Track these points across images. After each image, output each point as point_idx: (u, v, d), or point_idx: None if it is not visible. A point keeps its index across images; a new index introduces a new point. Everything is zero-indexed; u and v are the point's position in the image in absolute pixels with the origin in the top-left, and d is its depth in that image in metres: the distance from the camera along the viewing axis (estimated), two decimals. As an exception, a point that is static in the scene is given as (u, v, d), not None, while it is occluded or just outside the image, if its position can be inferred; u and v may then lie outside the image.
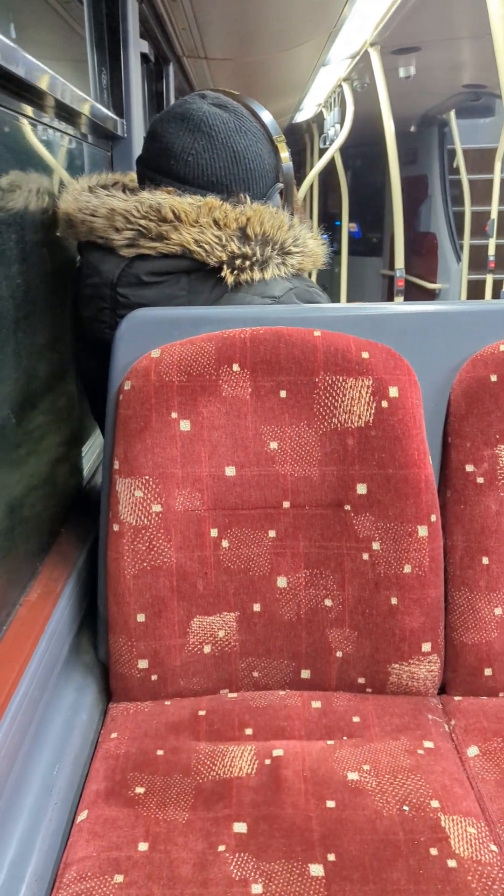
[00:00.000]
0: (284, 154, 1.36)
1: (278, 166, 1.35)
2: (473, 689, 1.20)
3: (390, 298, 6.30)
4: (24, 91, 1.17)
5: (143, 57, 2.45)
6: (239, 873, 0.87)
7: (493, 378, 1.16)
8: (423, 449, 1.15)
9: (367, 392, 1.14)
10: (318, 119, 6.30)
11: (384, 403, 1.14)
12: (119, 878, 0.87)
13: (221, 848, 0.91)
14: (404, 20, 3.28)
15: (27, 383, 1.18)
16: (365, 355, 1.15)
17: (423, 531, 1.15)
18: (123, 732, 1.11)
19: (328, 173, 6.82)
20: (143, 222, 1.22)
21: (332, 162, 5.80)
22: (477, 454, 1.17)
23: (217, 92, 1.34)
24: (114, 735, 1.11)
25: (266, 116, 1.34)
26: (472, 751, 1.08)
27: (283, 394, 1.16)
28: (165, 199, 1.22)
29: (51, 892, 0.87)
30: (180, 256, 1.23)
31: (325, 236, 1.40)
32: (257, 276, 1.23)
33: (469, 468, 1.17)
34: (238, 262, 1.22)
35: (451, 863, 0.89)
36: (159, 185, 1.28)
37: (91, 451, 1.69)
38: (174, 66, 3.23)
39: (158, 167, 1.30)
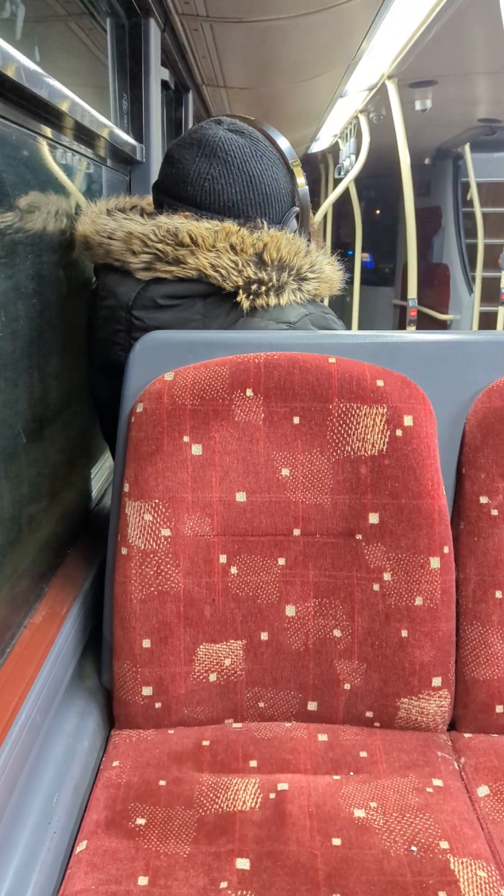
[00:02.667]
0: (300, 179, 1.36)
1: (294, 191, 1.36)
2: (484, 727, 1.17)
3: (401, 328, 6.31)
4: (47, 113, 1.18)
5: (164, 84, 2.48)
6: (241, 912, 0.85)
7: (509, 409, 1.15)
8: (436, 479, 1.14)
9: (381, 420, 1.13)
10: (334, 149, 6.37)
11: (398, 432, 1.13)
12: (117, 914, 0.84)
13: (223, 885, 0.88)
14: (421, 54, 3.32)
15: (39, 403, 1.17)
16: (380, 383, 1.14)
17: (435, 563, 1.13)
18: (126, 761, 1.09)
19: (342, 203, 6.87)
20: (160, 246, 1.22)
21: (346, 192, 5.85)
22: (492, 486, 1.15)
23: (233, 118, 1.35)
24: (115, 763, 1.08)
25: (282, 141, 1.35)
26: (483, 790, 1.05)
27: (296, 420, 1.15)
28: (183, 223, 1.23)
29: (47, 926, 0.85)
30: (196, 280, 1.23)
31: (339, 264, 1.40)
32: (273, 301, 1.23)
33: (483, 500, 1.16)
34: (254, 287, 1.21)
35: (461, 908, 0.86)
36: (176, 211, 1.28)
37: (101, 473, 1.69)
38: (193, 93, 3.27)
39: (175, 193, 1.30)
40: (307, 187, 1.38)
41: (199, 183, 1.28)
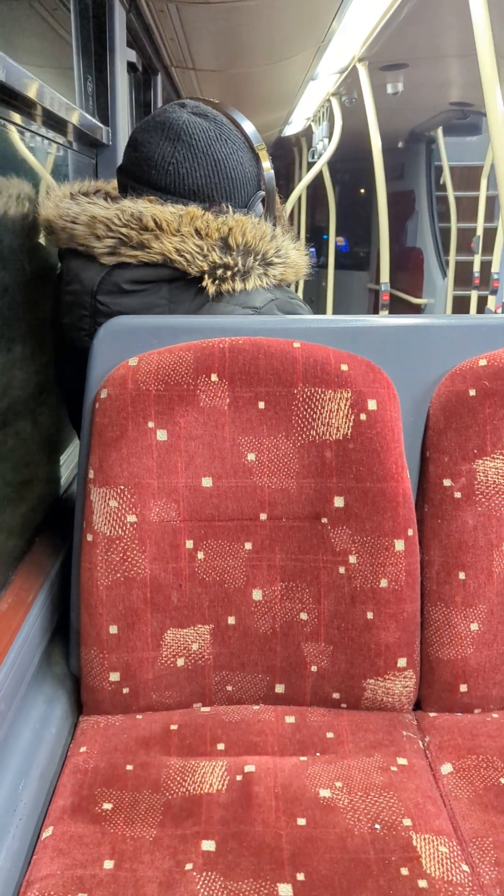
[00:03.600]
0: (266, 163, 1.35)
1: (260, 174, 1.35)
2: (449, 706, 1.19)
3: (376, 312, 6.33)
4: (7, 96, 1.16)
5: (131, 66, 2.44)
6: (206, 893, 0.86)
7: (472, 393, 1.16)
8: (401, 463, 1.15)
9: (345, 405, 1.14)
10: (307, 133, 6.34)
11: (363, 416, 1.14)
12: (83, 897, 0.85)
13: (189, 866, 0.89)
14: (392, 37, 3.31)
15: (4, 390, 1.16)
16: (344, 368, 1.14)
17: (399, 545, 1.14)
18: (93, 746, 1.09)
19: (316, 187, 6.85)
20: (124, 230, 1.21)
21: (320, 176, 5.83)
22: (455, 469, 1.16)
23: (197, 101, 1.34)
24: (83, 749, 1.09)
25: (247, 125, 1.34)
26: (446, 768, 1.07)
27: (261, 405, 1.15)
28: (147, 207, 1.22)
29: (12, 911, 0.85)
30: (161, 265, 1.22)
31: (313, 249, 1.40)
32: (239, 286, 1.23)
33: (447, 483, 1.17)
34: (219, 272, 1.21)
35: (422, 883, 0.87)
36: (140, 195, 1.27)
37: (70, 461, 1.68)
38: (162, 76, 3.23)
39: (139, 176, 1.29)
40: (272, 171, 1.38)
41: (164, 167, 1.27)
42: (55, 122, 1.48)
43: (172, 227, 1.20)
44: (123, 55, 2.04)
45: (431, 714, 1.19)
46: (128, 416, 1.13)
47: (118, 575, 1.13)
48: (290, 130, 6.73)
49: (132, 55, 2.34)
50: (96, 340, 1.17)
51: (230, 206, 1.27)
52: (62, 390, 1.46)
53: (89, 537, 1.13)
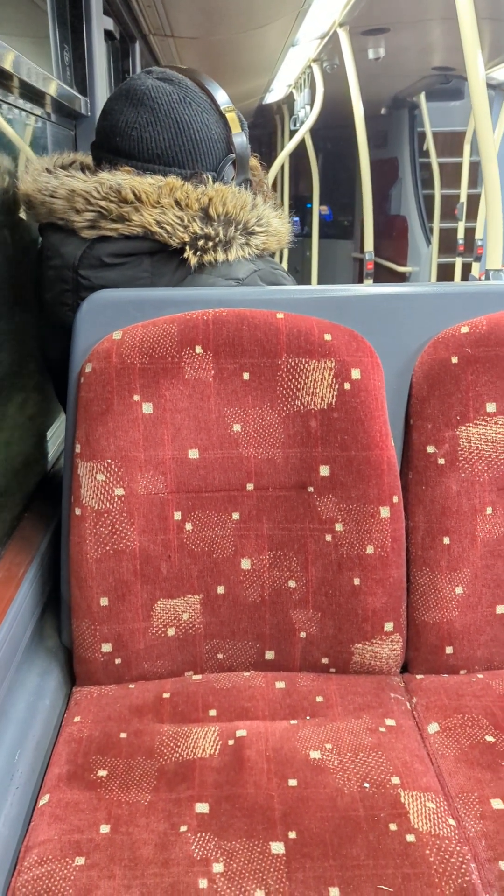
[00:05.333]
0: (235, 126, 1.32)
1: (228, 138, 1.32)
2: (435, 668, 1.21)
3: (361, 281, 6.31)
4: (-20, 67, 1.14)
5: (108, 34, 2.40)
6: (200, 853, 0.88)
7: (454, 360, 1.17)
8: (385, 431, 1.16)
9: (329, 374, 1.15)
10: (289, 100, 6.26)
11: (346, 385, 1.15)
12: (80, 861, 0.87)
13: (183, 828, 0.91)
14: (373, 0, 3.26)
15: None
16: (327, 337, 1.15)
17: (385, 512, 1.16)
18: (87, 716, 1.11)
19: (299, 156, 6.78)
20: (103, 203, 1.20)
21: (302, 144, 5.77)
22: (438, 435, 1.18)
23: (167, 68, 1.33)
24: (77, 719, 1.11)
25: (214, 88, 1.32)
26: (433, 727, 1.09)
27: (246, 376, 1.16)
28: (126, 179, 1.21)
29: (11, 876, 0.87)
30: (142, 238, 1.21)
31: (296, 219, 1.39)
32: (221, 256, 1.22)
33: (430, 449, 1.18)
34: (201, 242, 1.21)
35: (410, 837, 0.90)
36: (115, 165, 1.26)
37: (57, 436, 1.68)
38: (140, 44, 3.18)
39: (107, 145, 1.29)
40: (244, 134, 1.35)
41: (127, 132, 1.26)
42: (32, 94, 1.46)
43: (152, 199, 1.20)
44: (100, 23, 2.00)
45: (418, 676, 1.21)
46: (113, 390, 1.13)
47: (107, 548, 1.14)
48: (271, 98, 6.64)
49: (109, 23, 2.30)
50: (80, 315, 1.17)
51: (209, 176, 1.26)
52: (48, 366, 1.46)
53: (77, 511, 1.14)
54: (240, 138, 1.33)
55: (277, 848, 0.89)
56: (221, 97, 1.32)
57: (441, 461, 1.18)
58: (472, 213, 5.79)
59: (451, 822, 0.93)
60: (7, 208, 1.28)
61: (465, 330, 1.18)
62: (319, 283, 6.80)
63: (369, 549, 1.16)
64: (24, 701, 1.09)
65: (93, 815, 0.93)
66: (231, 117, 1.31)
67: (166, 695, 1.15)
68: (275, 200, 1.45)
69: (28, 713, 1.07)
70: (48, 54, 1.89)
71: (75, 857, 0.87)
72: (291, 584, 1.19)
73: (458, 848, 0.89)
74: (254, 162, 1.47)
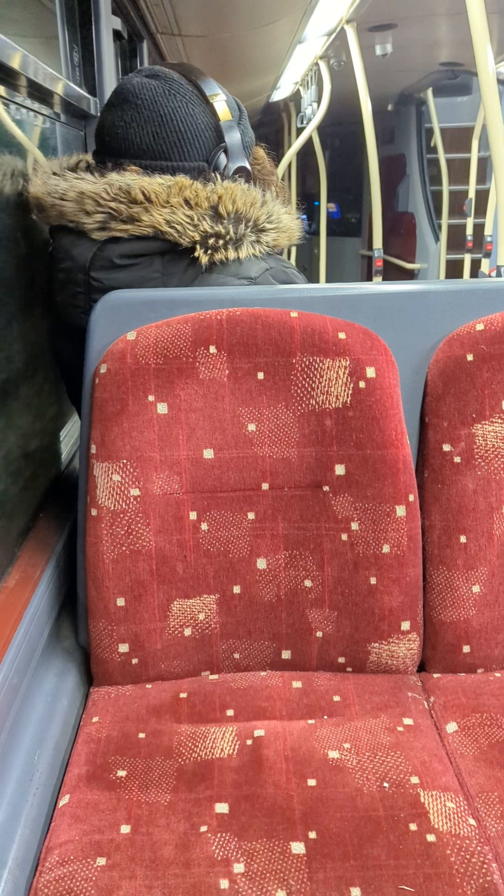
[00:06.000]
0: (223, 111, 1.29)
1: (218, 127, 1.30)
2: (452, 667, 1.21)
3: (369, 279, 6.29)
4: (-8, 69, 1.14)
5: (116, 34, 2.40)
6: (221, 853, 0.88)
7: (470, 357, 1.16)
8: (400, 429, 1.15)
9: (344, 373, 1.14)
10: (296, 98, 6.24)
11: (361, 384, 1.14)
12: (101, 861, 0.87)
13: (203, 829, 0.91)
14: (380, -4, 3.25)
15: (2, 369, 1.16)
16: (342, 336, 1.15)
17: (401, 511, 1.15)
18: (105, 716, 1.11)
19: (307, 153, 6.77)
20: (112, 205, 1.20)
21: (310, 142, 5.76)
22: (454, 433, 1.17)
23: (155, 65, 1.34)
24: (95, 719, 1.11)
25: (203, 78, 1.31)
26: (451, 727, 1.09)
27: (260, 375, 1.16)
28: (135, 180, 1.21)
29: (33, 876, 0.87)
30: (152, 238, 1.21)
31: (304, 217, 1.38)
32: (231, 255, 1.22)
33: (446, 448, 1.18)
34: (211, 241, 1.20)
35: (431, 837, 0.90)
36: (119, 166, 1.26)
37: (69, 436, 1.68)
38: (148, 43, 3.17)
39: (100, 147, 1.31)
40: (238, 123, 1.32)
41: (114, 131, 1.28)
42: (41, 94, 1.46)
43: (161, 199, 1.19)
44: (109, 23, 2.00)
45: (435, 675, 1.21)
46: (128, 390, 1.13)
47: (123, 548, 1.14)
48: (278, 96, 6.63)
49: (117, 23, 2.30)
50: (93, 316, 1.17)
51: (217, 175, 1.26)
52: (60, 367, 1.46)
53: (93, 512, 1.14)
54: (231, 126, 1.31)
55: (298, 848, 0.89)
56: (207, 84, 1.31)
57: (457, 459, 1.17)
58: (481, 210, 5.77)
59: (472, 821, 0.92)
60: (17, 211, 1.28)
61: (480, 327, 1.17)
62: (327, 280, 6.78)
63: (385, 548, 1.16)
64: (43, 702, 1.09)
65: (113, 815, 0.93)
66: (220, 106, 1.30)
67: (183, 695, 1.15)
68: (285, 194, 1.45)
69: (46, 714, 1.07)
70: (57, 55, 1.89)
71: (97, 857, 0.87)
72: (307, 583, 1.19)
73: (479, 848, 0.89)
74: (261, 152, 1.47)
